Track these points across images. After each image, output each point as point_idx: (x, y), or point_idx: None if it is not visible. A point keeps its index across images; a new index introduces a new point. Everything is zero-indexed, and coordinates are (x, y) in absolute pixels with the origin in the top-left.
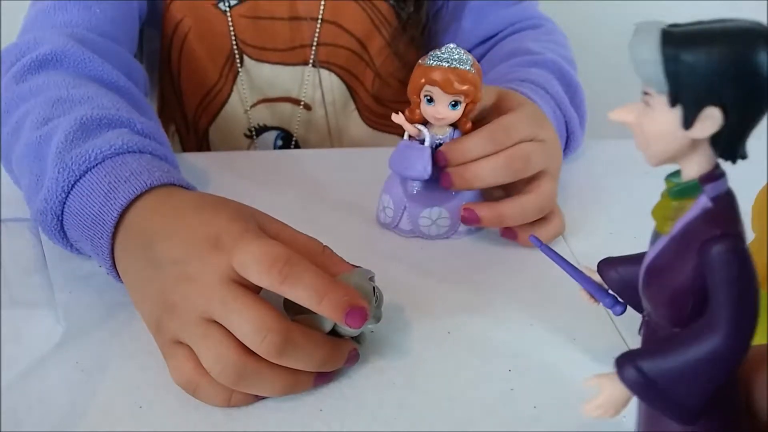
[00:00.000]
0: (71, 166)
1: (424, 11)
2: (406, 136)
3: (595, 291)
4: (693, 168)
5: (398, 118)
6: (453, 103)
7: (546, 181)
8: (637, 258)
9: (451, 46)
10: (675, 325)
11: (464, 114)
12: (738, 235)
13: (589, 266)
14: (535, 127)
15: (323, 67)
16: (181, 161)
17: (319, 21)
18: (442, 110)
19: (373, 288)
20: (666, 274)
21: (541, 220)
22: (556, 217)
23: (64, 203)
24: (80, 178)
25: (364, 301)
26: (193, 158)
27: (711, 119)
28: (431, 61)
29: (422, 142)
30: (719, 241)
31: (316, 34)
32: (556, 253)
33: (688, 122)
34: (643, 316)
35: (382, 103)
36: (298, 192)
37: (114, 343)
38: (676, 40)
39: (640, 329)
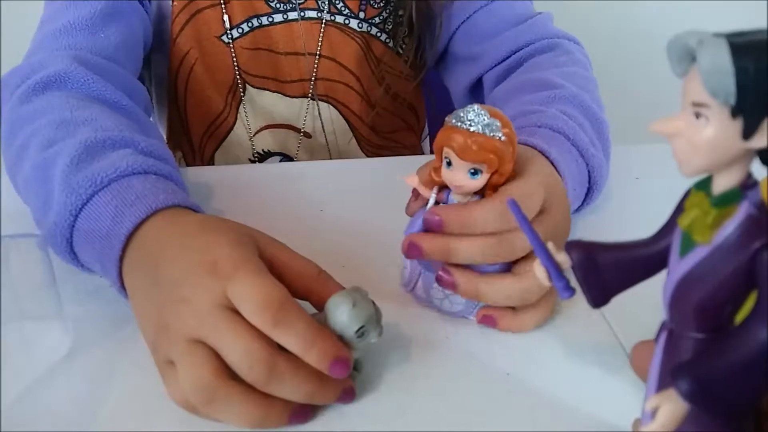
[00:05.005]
0: (78, 189)
1: (414, 42)
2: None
3: (553, 271)
4: (731, 177)
5: (412, 180)
6: (473, 171)
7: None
8: (621, 247)
9: (476, 107)
10: (704, 332)
11: (489, 185)
12: None
13: (553, 246)
14: (542, 199)
15: (322, 101)
16: (186, 176)
17: (317, 57)
18: (459, 177)
19: (373, 302)
20: (706, 283)
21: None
22: (544, 302)
23: (73, 226)
24: (87, 201)
25: (348, 352)
26: (197, 173)
27: None
28: (454, 121)
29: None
30: None
31: (315, 69)
32: (527, 222)
33: (748, 133)
34: (662, 325)
35: (379, 133)
36: (301, 205)
37: (122, 354)
38: (744, 51)
39: (657, 336)
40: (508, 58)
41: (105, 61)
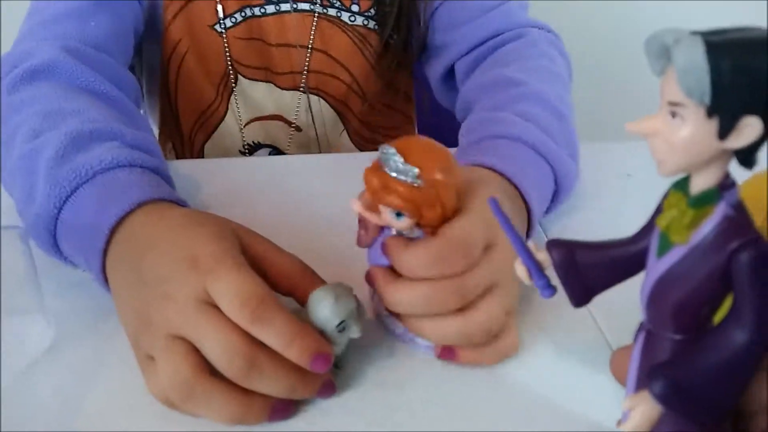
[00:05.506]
0: (62, 182)
1: (403, 32)
2: None
3: (534, 270)
4: (708, 177)
5: (355, 204)
6: (396, 212)
7: (496, 296)
8: (602, 246)
9: (392, 150)
10: (681, 333)
11: (426, 225)
12: (761, 240)
13: (534, 243)
14: (488, 233)
15: (313, 94)
16: (174, 169)
17: (309, 49)
18: (384, 215)
19: (356, 298)
20: (683, 283)
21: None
22: (506, 336)
23: (57, 218)
24: (71, 193)
25: (330, 347)
26: (185, 166)
27: (749, 129)
28: (381, 160)
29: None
30: (749, 247)
31: (306, 62)
32: (509, 221)
33: (724, 133)
34: (641, 326)
35: (370, 127)
36: (288, 199)
37: (105, 347)
38: (720, 49)
39: (635, 337)
40: (477, 46)
41: (94, 51)
